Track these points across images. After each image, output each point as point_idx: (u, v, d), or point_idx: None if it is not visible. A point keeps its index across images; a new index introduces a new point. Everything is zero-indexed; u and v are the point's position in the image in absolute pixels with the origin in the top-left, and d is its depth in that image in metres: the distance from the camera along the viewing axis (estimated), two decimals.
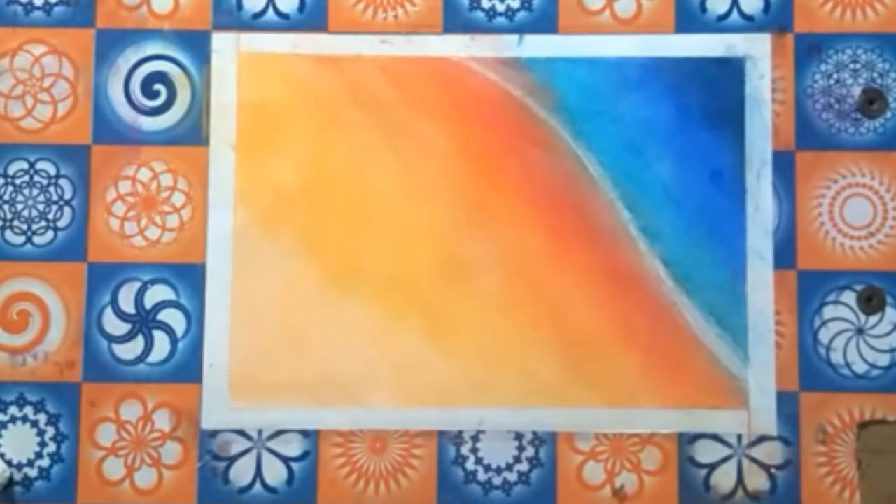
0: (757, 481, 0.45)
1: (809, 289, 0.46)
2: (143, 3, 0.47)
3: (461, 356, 0.46)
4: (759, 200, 0.46)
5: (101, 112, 0.47)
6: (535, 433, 0.45)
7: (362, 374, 0.45)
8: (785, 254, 0.46)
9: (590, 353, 0.46)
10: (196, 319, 0.46)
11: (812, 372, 0.45)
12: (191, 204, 0.47)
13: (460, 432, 0.45)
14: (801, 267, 0.46)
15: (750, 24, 0.46)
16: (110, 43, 0.47)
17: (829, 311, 0.45)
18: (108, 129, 0.47)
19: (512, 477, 0.45)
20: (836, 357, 0.45)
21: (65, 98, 0.47)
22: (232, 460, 0.46)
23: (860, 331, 0.45)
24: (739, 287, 0.46)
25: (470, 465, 0.45)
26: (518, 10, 0.47)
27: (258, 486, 0.45)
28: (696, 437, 0.45)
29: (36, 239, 0.46)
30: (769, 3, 0.46)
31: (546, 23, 0.47)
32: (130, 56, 0.47)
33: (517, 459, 0.45)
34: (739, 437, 0.45)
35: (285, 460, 0.46)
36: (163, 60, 0.47)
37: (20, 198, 0.47)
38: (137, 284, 0.46)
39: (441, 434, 0.45)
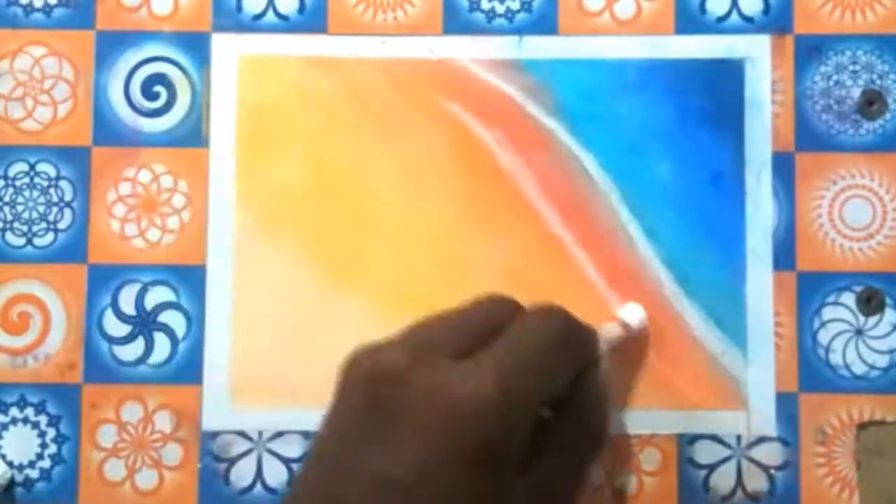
0: (756, 482, 0.45)
1: (809, 290, 0.46)
2: (143, 4, 0.47)
3: None
4: (758, 202, 0.46)
5: (101, 114, 0.47)
6: None
7: None
8: (784, 255, 0.46)
9: None
10: (197, 321, 0.46)
11: (811, 373, 0.45)
12: (191, 206, 0.47)
13: None
14: (800, 268, 0.46)
15: (749, 25, 0.47)
16: (110, 44, 0.47)
17: (828, 313, 0.46)
18: (108, 131, 0.47)
19: None
20: (836, 358, 0.45)
21: (65, 100, 0.47)
22: (233, 461, 0.46)
23: (859, 332, 0.46)
24: (739, 288, 0.46)
25: None
26: (518, 11, 0.47)
27: (259, 487, 0.46)
28: (695, 438, 0.45)
29: (36, 241, 0.47)
30: (769, 5, 0.47)
31: (546, 24, 0.47)
32: (130, 58, 0.47)
33: None
34: (739, 437, 0.45)
35: (286, 461, 0.46)
36: (163, 62, 0.47)
37: (20, 200, 0.47)
38: (138, 286, 0.46)
39: None
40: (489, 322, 0.37)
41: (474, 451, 0.33)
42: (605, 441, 0.39)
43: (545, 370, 0.36)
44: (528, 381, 0.35)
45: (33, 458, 0.46)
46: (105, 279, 0.46)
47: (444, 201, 0.46)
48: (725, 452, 0.45)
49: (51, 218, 0.47)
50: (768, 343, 0.45)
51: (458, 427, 0.33)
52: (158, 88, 0.47)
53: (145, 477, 0.46)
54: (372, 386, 0.35)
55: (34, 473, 0.46)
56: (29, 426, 0.46)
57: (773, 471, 0.45)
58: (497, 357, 0.35)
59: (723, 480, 0.45)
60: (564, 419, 0.36)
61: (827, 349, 0.45)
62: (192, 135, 0.47)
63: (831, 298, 0.46)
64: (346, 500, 0.33)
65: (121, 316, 0.46)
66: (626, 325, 0.44)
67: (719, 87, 0.46)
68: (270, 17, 0.47)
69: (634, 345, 0.45)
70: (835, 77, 0.46)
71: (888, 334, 0.46)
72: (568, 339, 0.37)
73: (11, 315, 0.46)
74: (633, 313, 0.44)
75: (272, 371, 0.46)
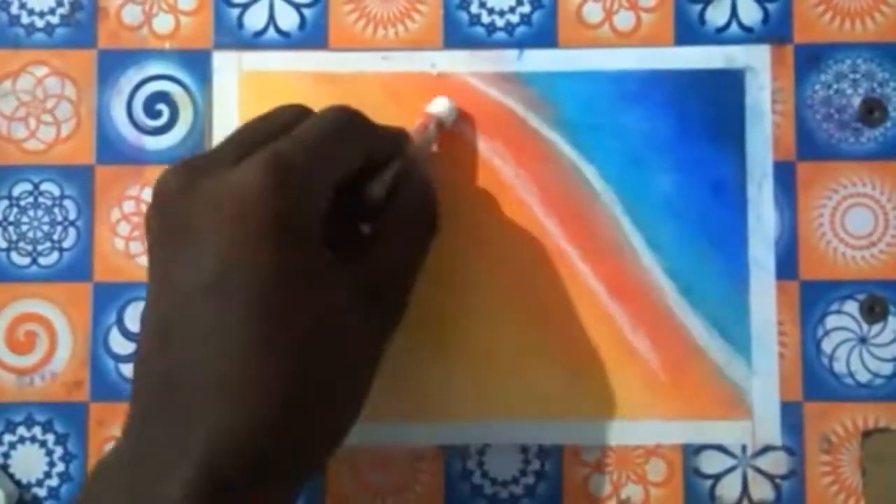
0: (762, 491, 0.45)
1: (812, 298, 0.46)
2: (145, 23, 0.47)
3: (465, 370, 0.46)
4: (760, 211, 0.46)
5: (104, 132, 0.47)
6: (540, 446, 0.46)
7: None
8: (787, 264, 0.46)
9: (593, 366, 0.46)
10: None
11: (815, 381, 0.45)
12: None
13: (466, 446, 0.46)
14: (803, 277, 0.46)
15: (749, 35, 0.47)
16: (112, 63, 0.47)
17: (831, 321, 0.46)
18: (111, 150, 0.47)
19: (518, 490, 0.45)
20: (840, 366, 0.45)
21: (68, 119, 0.47)
22: None
23: (863, 340, 0.46)
24: (742, 298, 0.46)
25: (476, 479, 0.45)
26: (518, 24, 0.47)
27: None
28: (700, 448, 0.45)
29: (41, 260, 0.47)
30: (768, 15, 0.47)
31: (546, 37, 0.47)
32: (132, 76, 0.47)
33: (523, 473, 0.46)
34: (744, 447, 0.45)
35: None
36: (165, 80, 0.47)
37: (25, 219, 0.47)
38: (143, 304, 0.46)
39: (446, 448, 0.46)
40: (272, 128, 0.38)
41: (263, 227, 0.34)
42: (436, 225, 0.43)
43: (323, 150, 0.37)
44: (303, 159, 0.35)
45: (41, 476, 0.46)
46: (110, 297, 0.47)
47: (445, 215, 0.46)
48: (731, 462, 0.45)
49: (55, 237, 0.47)
50: (772, 352, 0.46)
51: (240, 211, 0.34)
52: (161, 106, 0.47)
53: None
54: (160, 208, 0.36)
55: (42, 492, 0.46)
56: (36, 445, 0.46)
57: (778, 480, 0.45)
58: (273, 147, 0.36)
59: (729, 490, 0.45)
60: (393, 207, 0.40)
61: (831, 358, 0.46)
62: (195, 152, 0.47)
63: (834, 307, 0.46)
64: (175, 330, 0.35)
65: (127, 334, 0.46)
66: (437, 120, 0.45)
67: (720, 97, 0.46)
68: (271, 33, 0.47)
69: (457, 135, 0.46)
70: (835, 86, 0.46)
71: (892, 342, 0.46)
72: (346, 125, 0.38)
73: (17, 334, 0.47)
74: (440, 104, 0.45)
75: None
